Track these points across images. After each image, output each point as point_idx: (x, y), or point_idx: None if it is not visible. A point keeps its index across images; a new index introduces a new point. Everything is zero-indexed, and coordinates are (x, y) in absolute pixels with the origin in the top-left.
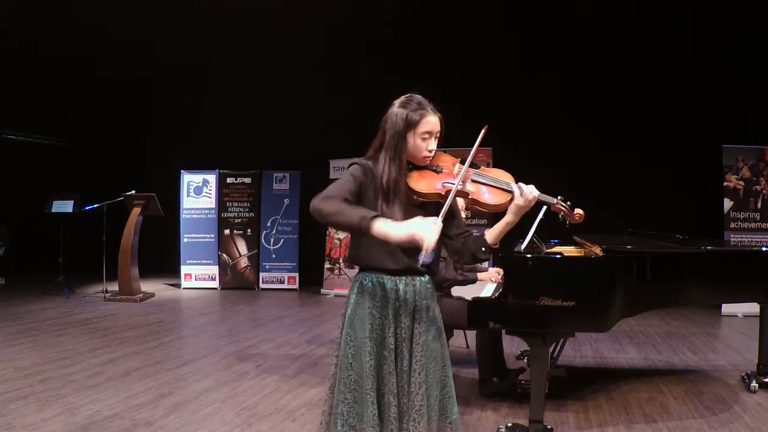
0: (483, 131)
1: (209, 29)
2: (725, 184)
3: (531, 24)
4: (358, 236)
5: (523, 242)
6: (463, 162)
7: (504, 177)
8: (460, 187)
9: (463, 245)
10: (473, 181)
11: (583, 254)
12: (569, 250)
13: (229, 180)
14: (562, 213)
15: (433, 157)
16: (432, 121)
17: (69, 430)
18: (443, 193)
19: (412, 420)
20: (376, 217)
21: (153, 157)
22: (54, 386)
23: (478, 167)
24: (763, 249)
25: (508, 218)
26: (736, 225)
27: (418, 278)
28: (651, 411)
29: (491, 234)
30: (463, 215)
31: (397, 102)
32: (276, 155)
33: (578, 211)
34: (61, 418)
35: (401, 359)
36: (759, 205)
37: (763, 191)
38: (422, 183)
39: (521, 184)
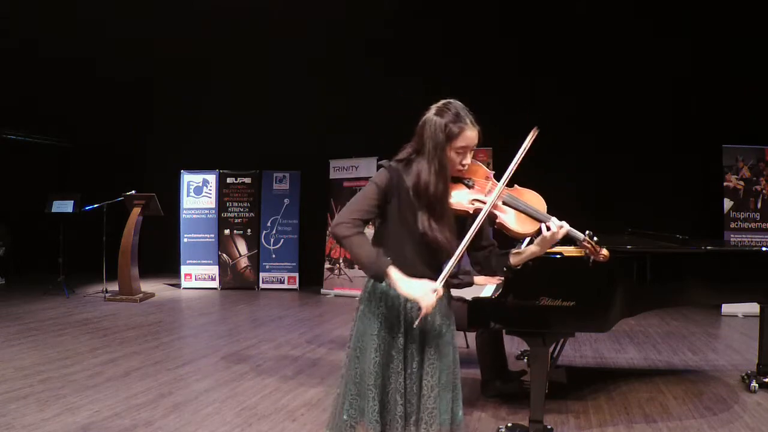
0: (531, 137)
1: (209, 29)
2: (725, 184)
3: (531, 24)
4: (376, 246)
5: (523, 242)
6: (497, 178)
7: (537, 204)
8: (490, 208)
9: (485, 259)
10: (504, 203)
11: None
12: (569, 250)
13: (229, 180)
14: (587, 251)
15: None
16: (470, 136)
17: (69, 430)
18: (471, 212)
19: (423, 423)
20: (389, 266)
21: (153, 157)
22: (54, 386)
23: (511, 186)
24: (763, 249)
25: (534, 248)
26: (736, 225)
27: None
28: (651, 411)
29: (516, 258)
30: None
31: (433, 108)
32: (276, 155)
33: (604, 252)
34: (61, 418)
35: (411, 360)
36: (759, 205)
37: (763, 191)
38: (451, 196)
39: (552, 219)
